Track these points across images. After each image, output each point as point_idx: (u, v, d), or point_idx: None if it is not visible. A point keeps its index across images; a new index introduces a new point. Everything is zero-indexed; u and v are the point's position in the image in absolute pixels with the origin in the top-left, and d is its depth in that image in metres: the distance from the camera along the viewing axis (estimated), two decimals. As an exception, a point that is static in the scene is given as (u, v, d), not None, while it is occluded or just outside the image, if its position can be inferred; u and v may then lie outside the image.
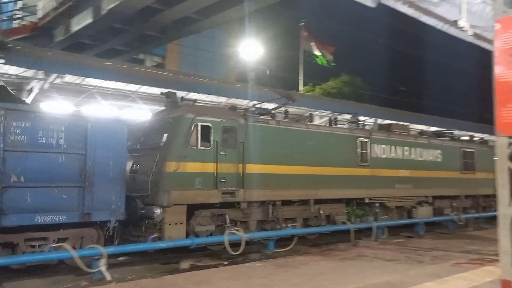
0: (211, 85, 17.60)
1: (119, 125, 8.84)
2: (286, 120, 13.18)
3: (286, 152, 11.76)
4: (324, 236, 12.99)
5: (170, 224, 9.55)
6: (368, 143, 13.82)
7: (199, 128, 10.13)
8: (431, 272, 7.68)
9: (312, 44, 33.08)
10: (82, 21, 28.60)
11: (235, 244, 9.79)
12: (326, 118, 22.67)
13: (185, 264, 9.51)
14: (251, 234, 10.52)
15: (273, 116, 12.27)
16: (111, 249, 8.30)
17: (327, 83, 41.49)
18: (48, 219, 7.81)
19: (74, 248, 7.91)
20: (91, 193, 8.25)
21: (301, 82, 36.48)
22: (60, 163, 8.04)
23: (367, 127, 15.94)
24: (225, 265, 9.28)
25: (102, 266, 7.76)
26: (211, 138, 10.30)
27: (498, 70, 4.15)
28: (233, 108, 12.23)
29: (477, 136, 23.07)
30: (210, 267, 9.06)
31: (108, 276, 7.69)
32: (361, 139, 13.71)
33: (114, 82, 14.97)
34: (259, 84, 19.21)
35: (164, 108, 11.85)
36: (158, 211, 9.52)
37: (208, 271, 8.10)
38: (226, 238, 9.80)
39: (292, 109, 21.62)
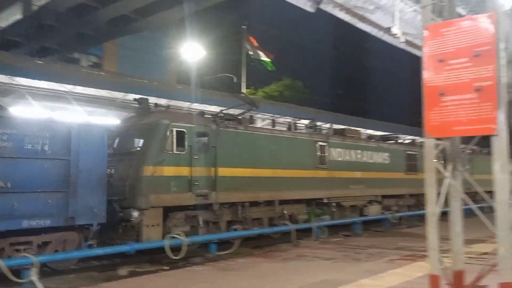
0: (151, 86, 17.23)
1: (99, 131, 9.10)
2: (253, 125, 13.82)
3: (253, 155, 12.30)
4: (283, 235, 13.12)
5: (147, 226, 9.84)
6: (326, 147, 14.64)
7: (175, 133, 10.45)
8: (367, 269, 7.95)
9: (255, 47, 33.32)
10: (10, 17, 27.01)
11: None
12: (268, 121, 22.95)
13: (123, 271, 9.20)
14: (192, 238, 10.39)
15: (239, 121, 12.72)
16: (43, 258, 7.87)
17: (270, 86, 41.99)
18: (34, 223, 7.95)
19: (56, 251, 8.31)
20: (75, 198, 8.45)
21: (243, 85, 36.64)
22: (45, 169, 8.22)
23: (323, 132, 16.89)
24: (166, 270, 9.09)
25: (33, 275, 7.33)
26: (186, 143, 10.64)
27: (427, 75, 4.36)
28: (202, 114, 12.52)
29: (419, 139, 24.43)
30: (150, 272, 8.84)
31: (40, 287, 7.28)
32: (320, 143, 14.49)
33: (46, 82, 14.27)
34: (222, 90, 19.00)
35: (135, 114, 12.18)
36: (135, 214, 9.65)
37: (147, 277, 7.90)
38: (166, 242, 9.63)
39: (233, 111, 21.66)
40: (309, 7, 13.49)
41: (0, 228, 7.51)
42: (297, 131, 14.96)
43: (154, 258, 10.43)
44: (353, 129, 18.11)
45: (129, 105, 16.72)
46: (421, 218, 16.92)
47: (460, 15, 4.60)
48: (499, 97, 3.83)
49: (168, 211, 10.35)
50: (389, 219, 16.13)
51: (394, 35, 13.37)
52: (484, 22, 3.93)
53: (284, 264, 8.68)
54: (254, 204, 12.26)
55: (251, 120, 14.19)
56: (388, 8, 14.48)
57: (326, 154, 14.51)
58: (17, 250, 7.99)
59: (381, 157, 17.21)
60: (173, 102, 18.53)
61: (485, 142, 4.29)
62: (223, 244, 11.01)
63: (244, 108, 13.33)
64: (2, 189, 7.56)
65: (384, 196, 17.06)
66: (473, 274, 4.27)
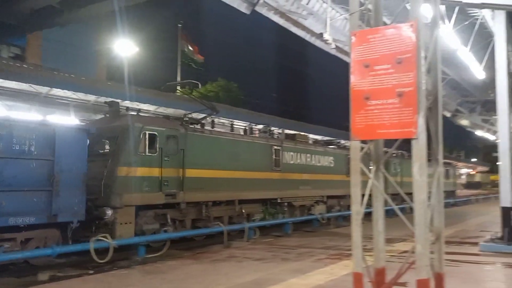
0: (78, 82, 16.44)
1: (81, 133, 9.69)
2: (217, 130, 14.86)
3: (216, 158, 13.24)
4: (216, 237, 13.27)
5: (121, 223, 10.42)
6: (280, 151, 15.96)
7: (147, 136, 11.20)
8: (296, 268, 8.10)
9: (189, 46, 32.97)
10: None
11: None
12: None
13: (43, 276, 8.69)
14: (119, 240, 10.07)
15: (203, 125, 13.71)
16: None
17: (205, 86, 41.71)
18: (20, 221, 8.38)
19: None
20: (58, 196, 8.96)
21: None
22: (31, 169, 8.68)
23: (275, 136, 17.99)
24: (90, 274, 8.69)
25: None
26: (157, 146, 11.40)
27: (353, 79, 4.49)
28: (167, 117, 13.72)
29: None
30: (72, 277, 8.41)
31: None
32: (275, 147, 15.85)
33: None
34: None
35: (105, 116, 12.82)
36: (109, 212, 10.17)
37: (67, 282, 7.49)
38: (91, 245, 9.26)
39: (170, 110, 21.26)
40: (244, 9, 13.55)
41: None
42: (254, 135, 16.51)
43: (79, 261, 9.99)
44: (302, 134, 19.24)
45: (54, 100, 15.89)
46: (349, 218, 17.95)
47: (385, 24, 4.80)
48: (419, 102, 4.03)
49: (139, 209, 10.98)
50: (318, 219, 16.65)
51: (325, 41, 13.76)
52: (406, 30, 4.12)
53: (213, 265, 8.61)
54: (216, 203, 13.20)
55: (212, 124, 15.17)
56: (320, 15, 14.91)
57: (280, 158, 15.80)
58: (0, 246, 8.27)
59: (326, 161, 18.82)
60: (102, 99, 17.85)
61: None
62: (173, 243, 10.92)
63: (206, 112, 14.46)
64: None
65: (328, 197, 18.52)
66: (394, 271, 4.46)
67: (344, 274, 7.48)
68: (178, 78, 35.74)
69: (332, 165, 18.96)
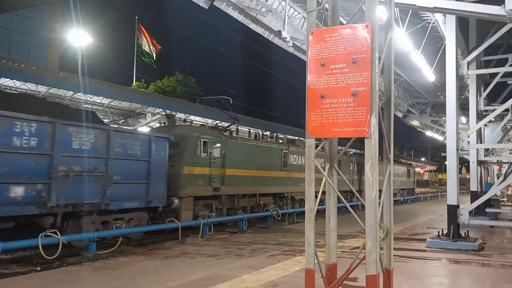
0: (28, 71, 15.73)
1: (164, 140, 12.62)
2: (245, 137, 18.92)
3: (245, 160, 16.46)
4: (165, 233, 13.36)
5: (184, 210, 13.41)
6: (287, 153, 19.38)
7: (202, 143, 14.40)
8: (249, 264, 8.11)
9: (145, 39, 32.33)
10: None
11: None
12: (159, 116, 22.40)
13: (-14, 273, 8.27)
14: (69, 236, 9.75)
15: (231, 132, 17.12)
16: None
17: (162, 80, 41.04)
18: (130, 204, 11.48)
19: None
20: (151, 188, 11.97)
21: (134, 77, 35.30)
22: (137, 167, 11.73)
23: (280, 141, 21.27)
24: (38, 271, 8.35)
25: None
26: (208, 150, 14.58)
27: (309, 78, 4.52)
28: (203, 125, 17.57)
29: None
30: (18, 274, 8.06)
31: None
32: (284, 150, 19.31)
33: None
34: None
35: (164, 126, 16.51)
36: (176, 201, 13.03)
37: (11, 280, 7.15)
38: (40, 241, 8.90)
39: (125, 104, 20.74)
40: (202, 3, 13.41)
41: (112, 207, 10.91)
42: (268, 141, 20.40)
43: (26, 258, 9.59)
44: (300, 139, 22.20)
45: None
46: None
47: (342, 24, 4.86)
48: (372, 102, 4.11)
49: (195, 199, 13.99)
50: (274, 215, 16.79)
51: (284, 39, 13.85)
52: (362, 31, 4.20)
53: (166, 261, 8.49)
54: (243, 196, 16.57)
55: (237, 131, 18.77)
56: (279, 12, 14.99)
57: (286, 159, 19.24)
58: (114, 223, 11.14)
59: (318, 162, 21.21)
60: (53, 90, 17.18)
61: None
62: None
63: (230, 121, 17.58)
64: (116, 180, 10.96)
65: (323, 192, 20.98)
66: (345, 267, 4.55)
67: (297, 270, 7.57)
68: (134, 70, 35.01)
69: (323, 166, 21.83)
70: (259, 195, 17.32)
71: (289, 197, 19.63)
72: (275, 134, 21.90)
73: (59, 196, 9.60)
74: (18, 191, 8.93)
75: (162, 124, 18.50)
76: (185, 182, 13.51)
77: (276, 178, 18.39)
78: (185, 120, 18.18)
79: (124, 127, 20.19)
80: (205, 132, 15.11)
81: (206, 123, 19.04)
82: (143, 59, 32.61)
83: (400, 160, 42.42)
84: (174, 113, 17.55)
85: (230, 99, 17.28)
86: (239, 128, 21.01)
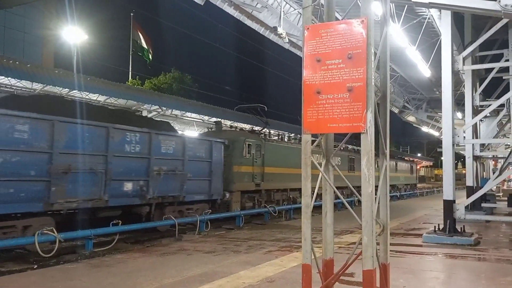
0: (22, 68, 15.65)
1: (220, 144, 15.28)
2: (279, 139, 21.36)
3: (279, 159, 19.09)
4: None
5: (234, 202, 16.26)
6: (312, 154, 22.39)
7: (247, 145, 17.22)
8: (246, 260, 8.12)
9: (141, 36, 32.21)
10: None
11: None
12: (155, 113, 22.34)
13: (-18, 272, 8.25)
14: (65, 234, 9.74)
15: (265, 135, 19.79)
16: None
17: (158, 77, 40.91)
18: (197, 197, 14.18)
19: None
20: (212, 183, 14.71)
21: (130, 74, 35.17)
22: (203, 166, 14.43)
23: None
24: (34, 269, 8.33)
25: None
26: (251, 151, 17.41)
27: (305, 73, 4.51)
28: (241, 129, 20.67)
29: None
30: (14, 272, 8.05)
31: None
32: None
33: None
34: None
35: (212, 131, 19.62)
36: (228, 195, 15.75)
37: (8, 278, 7.14)
38: (36, 238, 8.89)
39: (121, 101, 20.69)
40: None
41: (187, 199, 13.58)
42: (294, 142, 23.19)
43: (22, 256, 9.58)
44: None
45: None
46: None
47: (337, 20, 4.85)
48: (368, 98, 4.11)
49: (241, 193, 16.83)
50: (270, 212, 16.82)
51: (279, 35, 13.82)
52: (357, 26, 4.19)
53: (163, 258, 8.48)
54: (277, 190, 19.14)
55: (269, 134, 21.00)
56: (275, 9, 14.96)
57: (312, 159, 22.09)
58: (183, 213, 13.76)
59: (336, 160, 23.76)
60: (48, 87, 17.12)
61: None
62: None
63: (261, 125, 20.56)
64: (189, 178, 13.55)
65: (337, 187, 24.25)
66: (342, 262, 4.55)
67: (294, 266, 7.58)
68: (130, 68, 34.89)
69: (340, 164, 24.57)
70: (289, 190, 19.89)
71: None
72: (299, 136, 24.81)
73: (153, 190, 12.28)
74: (128, 186, 11.65)
75: (210, 129, 21.69)
76: (235, 178, 16.40)
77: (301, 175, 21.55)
78: (231, 126, 21.92)
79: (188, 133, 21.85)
80: (249, 136, 18.01)
81: (234, 126, 22.05)
82: (141, 55, 32.50)
83: (403, 157, 45.72)
84: (220, 120, 21.18)
85: (265, 107, 20.23)
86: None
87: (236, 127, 20.95)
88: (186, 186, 13.39)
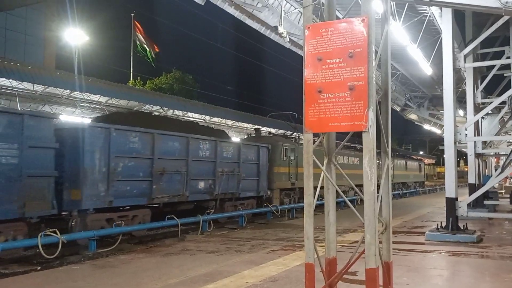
0: (24, 70, 15.68)
1: (265, 148, 17.78)
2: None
3: None
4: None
5: (275, 198, 18.48)
6: (335, 155, 24.17)
7: (283, 149, 19.36)
8: (249, 260, 8.14)
9: (142, 37, 32.22)
10: None
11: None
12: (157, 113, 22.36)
13: (-14, 273, 8.28)
14: (68, 235, 9.76)
15: (295, 139, 21.63)
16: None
17: (159, 78, 40.92)
18: (248, 193, 16.58)
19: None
20: (260, 182, 17.19)
21: (131, 74, 35.21)
22: (253, 167, 16.85)
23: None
24: (38, 270, 8.36)
25: None
26: (287, 154, 19.52)
27: (306, 72, 4.52)
28: (272, 134, 23.80)
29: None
30: (18, 274, 8.07)
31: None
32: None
33: None
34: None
35: (253, 136, 22.02)
36: (269, 192, 18.01)
37: (12, 279, 7.16)
38: (39, 240, 8.91)
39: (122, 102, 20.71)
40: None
41: (242, 195, 16.10)
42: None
43: (26, 257, 9.60)
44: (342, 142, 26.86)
45: None
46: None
47: (338, 18, 4.86)
48: (369, 96, 4.11)
49: (279, 191, 19.05)
50: (273, 211, 16.85)
51: (280, 34, 13.83)
52: (358, 25, 4.19)
53: (167, 258, 8.50)
54: None
55: (298, 139, 22.21)
56: (275, 8, 14.95)
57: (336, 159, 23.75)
58: (237, 207, 16.04)
59: (354, 160, 26.78)
60: (50, 89, 17.16)
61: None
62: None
63: (291, 130, 22.78)
64: (243, 177, 15.97)
65: (356, 185, 25.31)
66: (345, 261, 4.56)
67: (297, 265, 7.59)
68: (131, 68, 34.93)
69: (357, 163, 26.21)
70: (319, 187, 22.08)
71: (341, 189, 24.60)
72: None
73: (218, 187, 14.78)
74: (201, 184, 14.17)
75: (249, 135, 25.39)
76: (275, 178, 18.64)
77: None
78: (270, 133, 25.26)
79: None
80: (285, 141, 20.21)
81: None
82: (143, 56, 32.52)
83: (412, 156, 48.81)
84: (260, 127, 24.45)
85: (296, 114, 21.83)
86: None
87: (273, 133, 24.18)
88: (241, 184, 16.00)
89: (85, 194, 10.34)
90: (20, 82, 16.37)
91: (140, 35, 32.08)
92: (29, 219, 9.20)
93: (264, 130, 30.64)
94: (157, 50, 33.27)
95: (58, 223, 10.08)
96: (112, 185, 10.99)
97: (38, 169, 9.30)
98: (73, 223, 10.29)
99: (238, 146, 16.17)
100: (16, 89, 16.93)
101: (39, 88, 17.30)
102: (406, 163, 39.48)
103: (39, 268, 8.71)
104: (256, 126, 24.98)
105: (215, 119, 27.13)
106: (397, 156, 37.54)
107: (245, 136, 27.79)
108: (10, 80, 15.96)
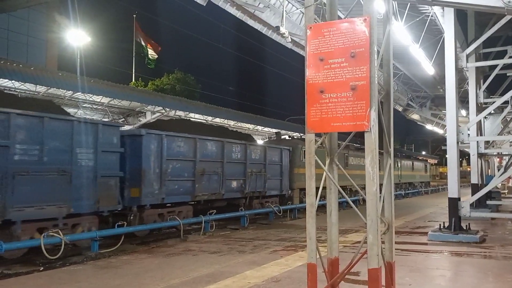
0: (26, 71, 15.70)
1: (287, 151, 19.21)
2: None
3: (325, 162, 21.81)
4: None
5: (295, 197, 19.83)
6: (348, 156, 25.67)
7: (303, 151, 20.18)
8: (251, 260, 8.13)
9: (143, 38, 32.25)
10: None
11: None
12: (159, 114, 22.39)
13: (-11, 274, 8.30)
14: (71, 236, 9.78)
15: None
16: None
17: (161, 79, 40.96)
18: (273, 192, 18.08)
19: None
20: (283, 182, 18.64)
21: (133, 75, 35.25)
22: (276, 168, 18.35)
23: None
24: (41, 271, 8.37)
25: None
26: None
27: (308, 72, 4.51)
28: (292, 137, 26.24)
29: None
30: (21, 274, 8.08)
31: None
32: (346, 154, 25.23)
33: None
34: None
35: (273, 139, 24.24)
36: (289, 191, 19.35)
37: (15, 279, 7.18)
38: (42, 241, 8.93)
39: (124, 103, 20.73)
40: (200, 0, 13.36)
41: (268, 194, 17.58)
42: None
43: (27, 259, 9.60)
44: (353, 145, 28.21)
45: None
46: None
47: (340, 19, 4.85)
48: (371, 96, 4.11)
49: (300, 190, 20.14)
50: (275, 211, 16.84)
51: (282, 35, 13.82)
52: (360, 25, 4.18)
53: (169, 259, 8.51)
54: (324, 188, 21.32)
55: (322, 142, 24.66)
56: (277, 8, 14.94)
57: (348, 160, 25.47)
58: (264, 204, 17.51)
59: (362, 161, 27.12)
60: (52, 90, 17.19)
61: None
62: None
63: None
64: (267, 177, 17.37)
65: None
66: (347, 261, 4.56)
67: (299, 265, 7.59)
68: (133, 69, 34.99)
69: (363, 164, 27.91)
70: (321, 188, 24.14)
71: (349, 189, 24.36)
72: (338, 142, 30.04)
73: (248, 187, 16.38)
74: (234, 183, 15.71)
75: (270, 138, 27.03)
76: (295, 178, 19.81)
77: (341, 175, 24.65)
78: (289, 136, 27.17)
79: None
80: (303, 143, 20.03)
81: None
82: (144, 56, 32.56)
83: (418, 157, 51.16)
84: (280, 130, 25.99)
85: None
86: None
87: (293, 137, 26.31)
88: (267, 183, 17.47)
89: (143, 192, 11.94)
90: (22, 83, 16.39)
91: (141, 37, 32.11)
92: (101, 213, 10.71)
93: (267, 131, 30.67)
94: (159, 49, 33.27)
95: (119, 217, 11.43)
96: (164, 184, 12.55)
97: (108, 170, 10.84)
98: (131, 217, 11.79)
99: (264, 149, 17.72)
100: (18, 90, 16.96)
101: (41, 89, 17.32)
102: (412, 163, 41.05)
103: (42, 268, 8.72)
104: (267, 128, 26.29)
105: (217, 120, 27.13)
106: (404, 157, 39.54)
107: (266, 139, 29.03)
108: (13, 81, 15.98)
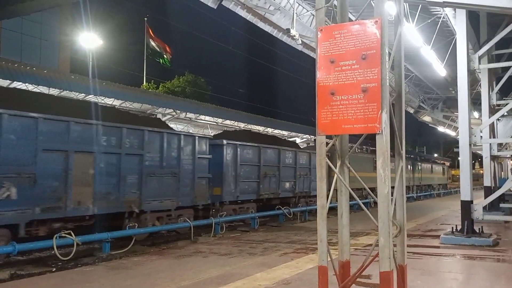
0: (39, 74, 15.89)
1: (308, 153, 20.01)
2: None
3: (357, 165, 21.14)
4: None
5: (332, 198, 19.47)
6: (376, 160, 27.78)
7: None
8: (261, 262, 8.13)
9: (155, 40, 32.45)
10: None
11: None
12: (170, 116, 22.50)
13: (3, 274, 8.38)
14: (83, 237, 9.86)
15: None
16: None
17: (172, 81, 41.17)
18: (314, 193, 18.88)
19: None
20: (298, 183, 19.02)
21: (144, 78, 35.49)
22: (295, 171, 18.89)
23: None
24: (53, 272, 8.46)
25: None
26: None
27: (319, 75, 4.51)
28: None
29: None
30: (34, 275, 8.17)
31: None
32: (374, 158, 24.35)
33: None
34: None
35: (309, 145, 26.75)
36: (314, 192, 19.98)
37: (28, 280, 7.26)
38: (54, 242, 9.03)
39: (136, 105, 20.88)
40: (210, 3, 13.42)
41: (313, 193, 19.44)
42: (363, 151, 28.82)
43: (40, 259, 9.72)
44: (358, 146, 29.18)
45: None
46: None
47: (351, 21, 4.84)
48: (383, 98, 4.09)
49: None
50: (285, 214, 16.83)
51: (292, 37, 13.83)
52: (371, 27, 4.18)
53: (180, 260, 8.54)
54: (357, 189, 21.47)
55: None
56: (287, 10, 14.96)
57: (375, 164, 26.05)
58: (308, 203, 19.66)
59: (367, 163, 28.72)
60: (65, 93, 17.37)
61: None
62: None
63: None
64: (312, 179, 19.59)
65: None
66: (358, 264, 4.53)
67: (310, 267, 7.57)
68: (145, 72, 35.23)
69: (392, 168, 29.72)
70: (354, 189, 26.04)
71: (362, 190, 25.62)
72: (364, 147, 30.53)
73: (298, 187, 18.90)
74: (287, 184, 18.33)
75: (309, 145, 29.12)
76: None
77: (371, 177, 23.91)
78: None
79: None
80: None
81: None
82: (157, 60, 32.75)
83: (437, 161, 52.95)
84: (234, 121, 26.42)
85: None
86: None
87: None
88: (311, 185, 19.75)
89: (224, 191, 14.81)
90: (36, 86, 16.59)
91: (152, 40, 32.30)
92: (197, 206, 13.41)
93: (277, 133, 30.66)
94: (169, 52, 33.45)
95: (204, 211, 13.88)
96: (238, 184, 15.37)
97: (202, 173, 13.54)
98: (213, 211, 14.29)
99: (309, 155, 20.01)
100: (31, 93, 17.15)
101: (54, 91, 17.51)
102: (431, 167, 43.36)
103: (54, 269, 8.80)
104: (268, 129, 26.26)
105: (227, 122, 27.19)
106: (423, 161, 42.28)
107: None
108: (27, 84, 16.18)
